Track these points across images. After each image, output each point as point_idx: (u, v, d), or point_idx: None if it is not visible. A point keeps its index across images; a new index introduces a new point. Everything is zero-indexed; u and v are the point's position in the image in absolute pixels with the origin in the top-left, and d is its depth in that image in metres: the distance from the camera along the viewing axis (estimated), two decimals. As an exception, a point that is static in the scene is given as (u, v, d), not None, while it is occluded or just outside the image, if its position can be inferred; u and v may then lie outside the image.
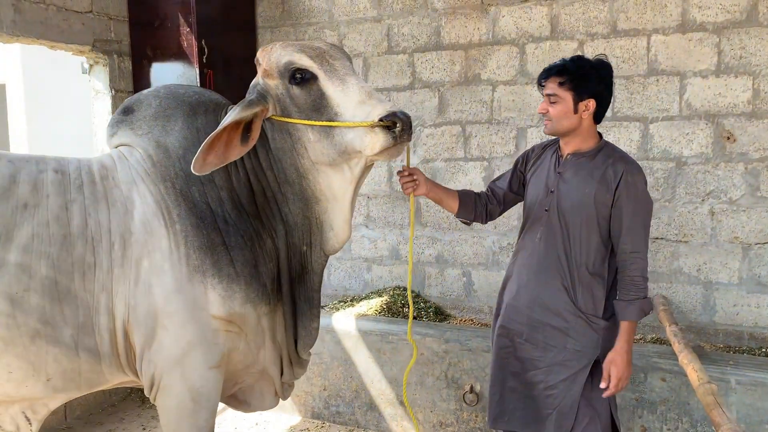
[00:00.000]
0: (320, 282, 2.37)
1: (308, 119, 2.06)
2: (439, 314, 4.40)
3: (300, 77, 2.06)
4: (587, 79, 2.37)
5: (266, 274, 2.21)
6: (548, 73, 2.42)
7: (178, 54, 4.33)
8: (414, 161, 4.44)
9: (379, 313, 4.18)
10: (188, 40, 4.28)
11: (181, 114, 2.17)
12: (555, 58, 4.05)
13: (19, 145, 10.14)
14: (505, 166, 4.24)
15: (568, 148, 2.49)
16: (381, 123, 1.96)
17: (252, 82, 2.20)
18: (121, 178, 2.11)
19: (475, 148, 4.32)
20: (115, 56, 4.34)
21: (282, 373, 2.43)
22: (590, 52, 3.97)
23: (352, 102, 2.01)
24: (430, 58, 4.37)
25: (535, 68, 4.11)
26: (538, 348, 2.50)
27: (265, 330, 2.28)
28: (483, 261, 4.36)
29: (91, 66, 4.33)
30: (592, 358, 2.44)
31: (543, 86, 2.44)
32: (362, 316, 4.05)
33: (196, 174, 1.96)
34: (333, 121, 2.03)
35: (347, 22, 4.57)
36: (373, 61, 4.54)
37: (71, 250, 2.00)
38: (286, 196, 2.21)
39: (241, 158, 2.15)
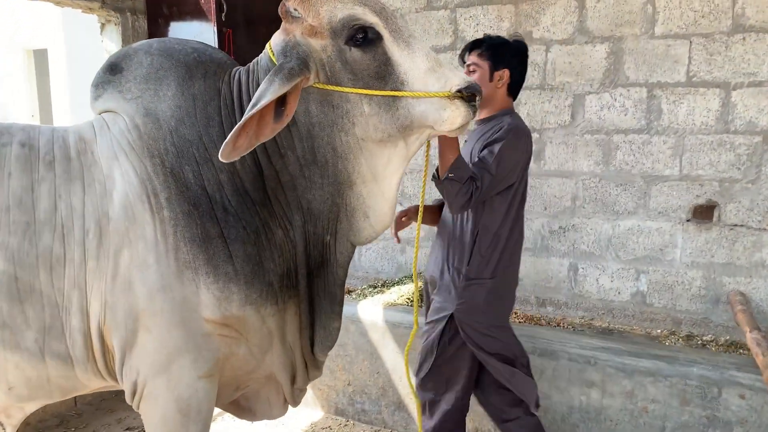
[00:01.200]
0: (345, 275, 2.01)
1: (367, 88, 1.73)
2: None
3: (362, 37, 1.71)
4: (503, 51, 2.53)
5: (273, 270, 1.85)
6: (471, 47, 2.57)
7: (194, 11, 3.93)
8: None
9: (411, 302, 3.76)
10: (206, -5, 3.87)
11: (175, 77, 1.81)
12: (619, 13, 3.48)
13: (62, 111, 10.07)
14: (558, 138, 3.72)
15: (479, 116, 2.55)
16: (460, 95, 1.75)
17: (277, 40, 1.78)
18: (102, 152, 1.78)
19: (524, 118, 3.80)
20: (128, 14, 3.98)
21: (293, 379, 2.08)
22: (662, 6, 3.39)
23: (421, 69, 1.74)
24: (475, 14, 3.86)
25: (597, 25, 3.55)
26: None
27: (272, 331, 1.93)
28: (530, 246, 3.88)
29: (102, 25, 3.98)
30: (449, 312, 2.54)
31: (464, 62, 2.59)
32: (391, 306, 3.64)
33: (224, 162, 1.60)
34: (398, 90, 1.73)
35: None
36: (410, 18, 4.05)
37: (36, 241, 1.71)
38: (311, 180, 1.83)
39: None
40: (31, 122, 10.32)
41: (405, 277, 4.21)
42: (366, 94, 1.73)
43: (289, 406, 2.21)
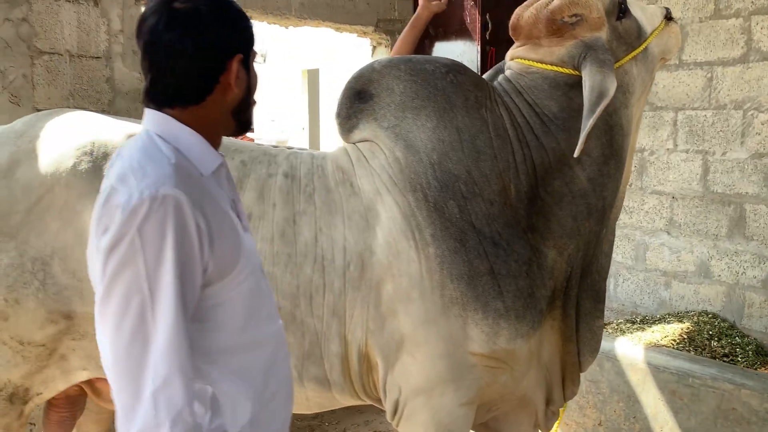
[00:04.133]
0: (609, 261, 1.96)
1: (633, 50, 1.86)
2: (762, 355, 3.40)
3: (623, 7, 1.85)
4: None
5: (543, 296, 1.79)
6: None
7: (459, 31, 3.98)
8: (743, 154, 3.48)
9: (678, 344, 3.37)
10: (471, 14, 3.90)
11: (434, 108, 1.78)
12: None
13: (329, 125, 11.06)
14: None
15: None
16: (668, 16, 1.98)
17: (559, 53, 1.78)
18: (362, 185, 1.79)
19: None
20: (397, 36, 4.16)
21: (547, 399, 1.98)
22: None
23: (642, 13, 1.91)
24: (776, 22, 3.34)
25: None
26: None
27: (532, 353, 1.87)
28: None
29: (374, 48, 4.23)
30: None
31: None
32: (654, 346, 3.29)
33: (575, 156, 1.67)
34: (645, 39, 1.88)
35: (662, -17, 3.75)
36: (693, 28, 3.65)
37: (297, 273, 1.75)
38: (608, 175, 1.81)
39: (527, 158, 1.78)
40: (301, 134, 11.46)
41: (668, 314, 3.80)
42: (636, 55, 1.84)
43: (539, 432, 2.09)
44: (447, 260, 1.69)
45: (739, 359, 3.34)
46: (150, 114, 1.17)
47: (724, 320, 3.60)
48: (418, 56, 1.91)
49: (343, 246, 1.74)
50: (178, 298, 1.03)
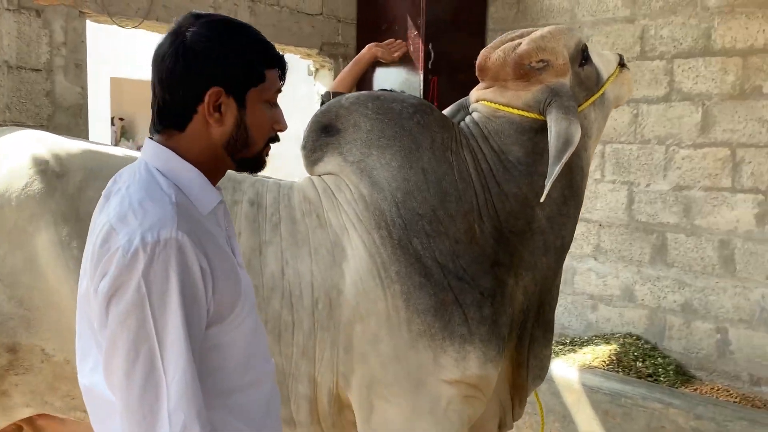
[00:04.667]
0: (558, 293, 2.03)
1: (591, 96, 1.92)
2: (681, 374, 3.64)
3: (586, 53, 1.91)
4: None
5: (505, 324, 1.81)
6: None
7: (403, 58, 4.06)
8: (665, 186, 3.74)
9: (607, 365, 3.55)
10: (415, 43, 4.00)
11: (400, 148, 1.77)
12: None
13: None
14: (787, 203, 3.37)
15: None
16: (621, 62, 2.06)
17: (525, 98, 1.81)
18: (329, 218, 1.76)
19: (747, 178, 3.50)
20: (340, 60, 4.20)
21: (500, 423, 2.03)
22: None
23: (600, 59, 1.98)
24: (695, 66, 3.63)
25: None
26: None
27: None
28: (746, 318, 3.52)
29: (316, 69, 4.24)
30: None
31: None
32: (587, 368, 3.46)
33: (543, 201, 1.70)
34: (602, 85, 1.94)
35: (592, 23, 3.99)
36: (621, 68, 3.90)
37: (265, 307, 1.68)
38: (567, 215, 1.86)
39: (488, 202, 1.80)
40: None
41: (595, 336, 3.99)
42: (593, 101, 1.90)
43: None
44: (413, 296, 1.68)
45: (662, 379, 3.56)
46: (150, 145, 1.14)
47: (646, 342, 3.82)
48: (386, 94, 1.89)
49: (310, 282, 1.70)
50: (188, 343, 1.01)
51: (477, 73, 1.94)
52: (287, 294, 1.69)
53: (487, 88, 1.90)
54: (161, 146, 1.12)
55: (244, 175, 1.84)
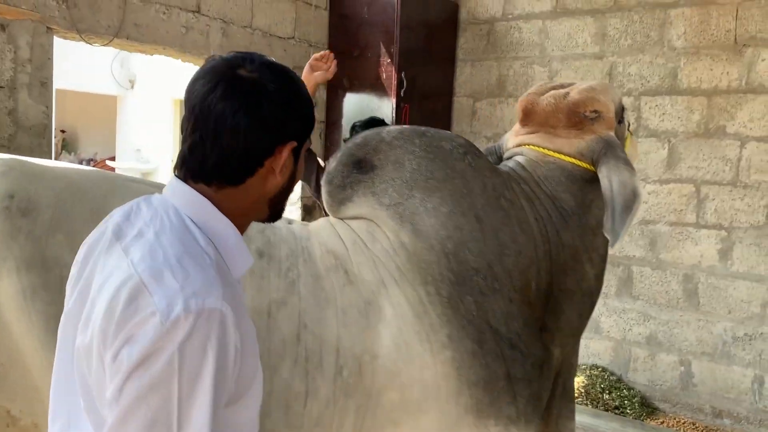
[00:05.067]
0: (577, 361, 1.91)
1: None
2: (646, 406, 3.70)
3: (623, 111, 1.90)
4: None
5: (546, 397, 1.67)
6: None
7: (375, 85, 4.05)
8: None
9: (576, 398, 3.56)
10: (388, 71, 3.98)
11: (450, 191, 1.57)
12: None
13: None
14: (749, 239, 3.48)
15: None
16: (629, 128, 2.06)
17: (579, 146, 1.72)
18: (360, 273, 1.52)
19: (711, 214, 3.60)
20: (310, 84, 4.13)
21: None
22: None
23: None
24: (662, 104, 3.73)
25: (803, 124, 3.34)
26: None
27: None
28: (709, 351, 3.61)
29: (286, 93, 4.16)
30: None
31: None
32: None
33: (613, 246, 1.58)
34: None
35: (562, 58, 4.06)
36: (589, 103, 3.98)
37: (270, 376, 1.44)
38: (604, 274, 1.79)
39: (546, 254, 1.66)
40: (169, 165, 10.94)
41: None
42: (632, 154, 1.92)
43: None
44: (465, 365, 1.49)
45: (628, 411, 3.60)
46: (182, 189, 0.98)
47: (612, 373, 3.87)
48: (432, 130, 1.73)
49: (335, 347, 1.46)
50: (211, 430, 0.87)
51: (520, 117, 1.84)
52: (301, 361, 1.45)
53: (530, 133, 1.81)
54: (194, 192, 0.97)
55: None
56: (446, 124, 4.44)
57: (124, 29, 3.03)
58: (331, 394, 1.46)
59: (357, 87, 4.14)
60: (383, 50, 3.98)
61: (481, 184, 1.61)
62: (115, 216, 1.02)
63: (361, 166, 1.62)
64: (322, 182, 1.69)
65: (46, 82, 2.75)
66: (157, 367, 0.84)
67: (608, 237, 1.58)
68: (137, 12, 3.09)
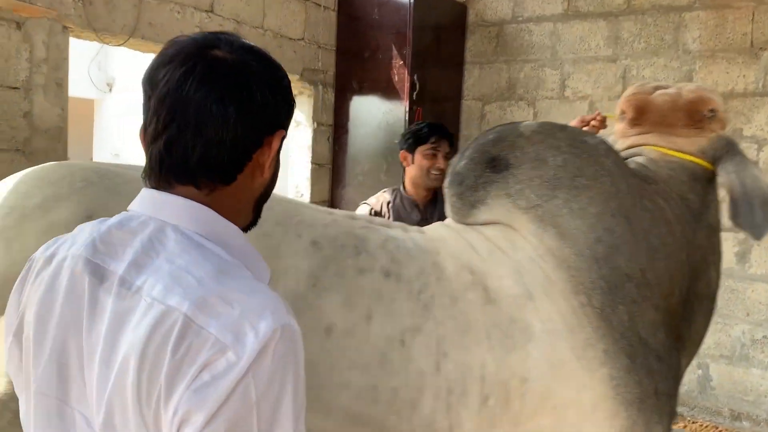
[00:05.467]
0: None
1: None
2: (664, 410, 3.68)
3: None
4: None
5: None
6: (444, 134, 2.63)
7: (387, 88, 3.97)
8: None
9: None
10: (400, 73, 3.91)
11: (599, 191, 1.44)
12: None
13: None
14: (767, 242, 3.49)
15: (423, 198, 2.64)
16: None
17: (700, 145, 1.66)
18: (502, 288, 1.37)
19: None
20: (320, 87, 4.05)
21: None
22: None
23: None
24: (677, 107, 3.73)
25: (820, 127, 3.36)
26: None
27: None
28: (727, 354, 3.61)
29: (295, 96, 4.06)
30: None
31: (433, 143, 2.58)
32: None
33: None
34: None
35: (573, 61, 4.04)
36: (602, 105, 3.96)
37: (408, 415, 1.27)
38: (714, 270, 1.69)
39: (686, 257, 1.57)
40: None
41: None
42: None
43: None
44: (621, 382, 1.35)
45: (648, 415, 3.58)
46: (169, 200, 0.81)
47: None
48: (571, 126, 1.62)
49: (480, 375, 1.31)
50: None
51: (631, 117, 1.75)
52: (443, 394, 1.29)
53: (644, 133, 1.72)
54: (190, 201, 0.81)
55: (365, 224, 1.44)
56: (455, 128, 4.39)
57: (139, 29, 2.92)
58: (476, 427, 1.32)
59: (367, 89, 4.07)
60: (395, 52, 3.91)
61: (625, 183, 1.50)
62: (70, 254, 0.82)
63: (494, 165, 1.48)
64: (448, 183, 1.55)
65: (61, 83, 2.62)
66: (234, 408, 0.70)
67: (751, 233, 1.52)
68: (152, 11, 2.98)
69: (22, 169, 1.32)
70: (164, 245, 0.78)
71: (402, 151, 2.65)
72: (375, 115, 4.05)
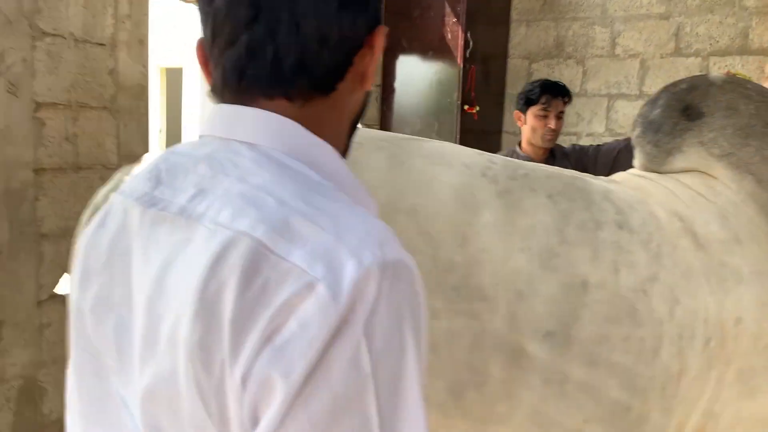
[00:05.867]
0: None
1: None
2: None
3: None
4: None
5: None
6: (556, 93, 2.61)
7: (439, 47, 3.95)
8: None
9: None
10: (453, 32, 3.89)
11: None
12: None
13: (192, 132, 10.37)
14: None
15: (540, 156, 2.65)
16: None
17: None
18: (710, 233, 1.38)
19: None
20: (369, 46, 4.02)
21: None
22: None
23: None
24: (732, 64, 3.74)
25: None
26: None
27: None
28: None
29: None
30: None
31: (544, 104, 2.57)
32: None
33: None
34: None
35: (624, 18, 4.03)
36: (654, 63, 3.97)
37: (651, 361, 1.31)
38: None
39: None
40: (158, 136, 10.64)
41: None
42: None
43: None
44: None
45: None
46: (249, 114, 0.64)
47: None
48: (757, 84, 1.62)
49: (704, 318, 1.34)
50: None
51: None
52: (676, 339, 1.33)
53: None
54: (276, 115, 0.63)
55: (581, 178, 1.41)
56: (500, 86, 4.39)
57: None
58: (700, 370, 1.36)
59: (418, 49, 4.04)
60: (448, 9, 3.88)
61: None
62: (132, 187, 0.67)
63: (688, 113, 1.49)
64: (640, 132, 1.55)
65: (143, 41, 2.60)
66: (339, 370, 0.50)
67: None
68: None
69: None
70: (237, 165, 0.60)
71: (516, 111, 2.67)
72: (425, 75, 4.03)
